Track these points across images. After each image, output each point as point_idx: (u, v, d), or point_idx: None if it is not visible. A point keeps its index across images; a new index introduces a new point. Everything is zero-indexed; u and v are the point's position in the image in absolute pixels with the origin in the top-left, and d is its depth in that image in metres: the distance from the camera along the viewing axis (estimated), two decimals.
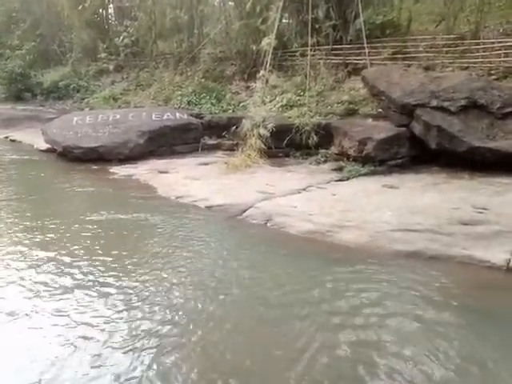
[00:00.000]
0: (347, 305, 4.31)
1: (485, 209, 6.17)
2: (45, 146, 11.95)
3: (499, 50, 9.93)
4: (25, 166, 10.80)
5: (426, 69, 10.17)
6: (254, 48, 13.23)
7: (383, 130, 8.94)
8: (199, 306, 4.29)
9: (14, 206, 7.53)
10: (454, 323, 3.98)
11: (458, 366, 3.38)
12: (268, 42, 11.69)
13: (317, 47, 12.30)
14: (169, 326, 3.92)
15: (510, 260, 4.94)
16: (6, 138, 14.45)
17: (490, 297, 4.51)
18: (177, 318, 4.08)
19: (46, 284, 4.68)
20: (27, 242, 5.86)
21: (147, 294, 4.49)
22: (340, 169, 8.84)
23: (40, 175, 10.08)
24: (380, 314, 4.14)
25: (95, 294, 4.47)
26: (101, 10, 20.38)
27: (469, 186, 7.31)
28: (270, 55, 11.61)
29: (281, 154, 10.10)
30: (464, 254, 5.18)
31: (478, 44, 10.47)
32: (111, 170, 9.80)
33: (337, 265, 5.20)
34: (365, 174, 8.43)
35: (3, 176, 9.50)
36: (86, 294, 4.47)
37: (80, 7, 18.23)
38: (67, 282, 4.75)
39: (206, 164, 9.96)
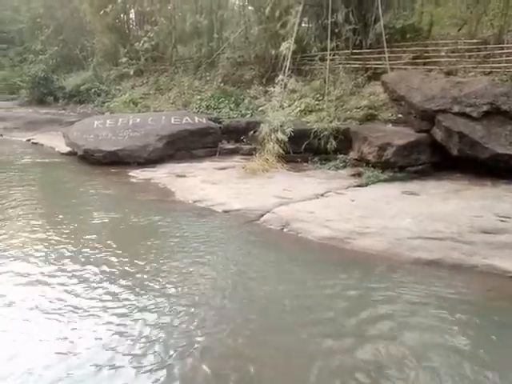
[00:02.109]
0: (366, 315, 4.24)
1: (508, 217, 6.04)
2: (66, 149, 12.12)
3: None
4: (46, 169, 10.97)
5: (448, 74, 10.01)
6: (273, 52, 13.23)
7: (403, 135, 8.83)
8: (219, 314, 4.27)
9: (31, 207, 7.64)
10: (476, 336, 3.87)
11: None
12: (287, 47, 11.67)
13: (336, 51, 12.25)
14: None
15: None
16: (28, 140, 14.70)
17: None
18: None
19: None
20: (45, 239, 5.95)
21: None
22: (359, 174, 8.75)
23: (60, 178, 10.21)
24: (399, 325, 4.06)
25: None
26: (122, 15, 20.61)
27: (491, 194, 7.17)
28: (289, 59, 11.59)
29: (299, 159, 10.05)
30: (486, 263, 5.07)
31: (501, 49, 10.28)
32: (130, 174, 9.88)
33: (355, 272, 5.13)
34: (384, 180, 8.33)
35: (25, 179, 9.65)
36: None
37: (102, 12, 18.48)
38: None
39: (223, 168, 9.97)
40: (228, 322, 4.10)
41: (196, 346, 3.71)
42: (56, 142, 13.27)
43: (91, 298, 4.47)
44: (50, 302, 4.40)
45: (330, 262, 5.45)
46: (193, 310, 4.28)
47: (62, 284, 4.78)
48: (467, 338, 3.83)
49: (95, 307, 4.30)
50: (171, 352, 3.62)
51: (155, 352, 3.61)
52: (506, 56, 10.05)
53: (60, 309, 4.26)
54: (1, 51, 24.55)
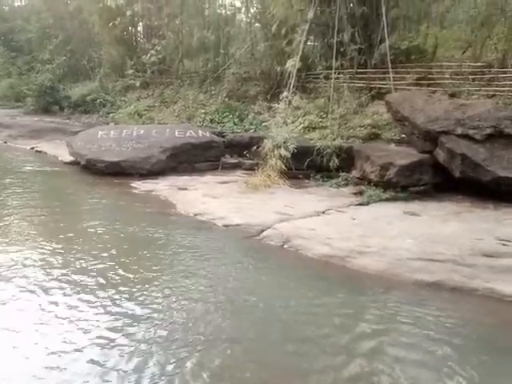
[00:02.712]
0: (358, 334, 4.20)
1: (509, 241, 6.00)
2: (69, 158, 12.16)
3: None
4: (48, 178, 11.00)
5: (452, 96, 10.06)
6: (279, 69, 13.32)
7: (406, 155, 8.84)
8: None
9: (31, 216, 7.64)
10: (476, 362, 3.81)
11: None
12: (292, 64, 11.76)
13: (341, 70, 12.32)
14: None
15: None
16: (32, 148, 14.76)
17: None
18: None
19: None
20: (40, 249, 5.94)
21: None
22: (360, 193, 8.74)
23: (61, 187, 10.25)
24: (394, 347, 4.01)
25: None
26: (130, 28, 20.83)
27: (493, 217, 7.14)
28: (294, 77, 11.66)
29: (301, 176, 10.05)
30: (487, 287, 5.03)
31: (505, 72, 10.32)
32: (132, 185, 9.89)
33: (353, 291, 5.10)
34: (386, 200, 8.31)
35: (27, 187, 9.67)
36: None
37: (110, 25, 18.70)
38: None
39: (225, 182, 9.97)
40: (221, 338, 4.06)
41: (189, 362, 3.68)
42: (59, 150, 13.32)
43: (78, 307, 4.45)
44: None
45: (330, 280, 5.43)
46: (189, 324, 4.25)
47: (53, 291, 4.77)
48: (462, 362, 3.78)
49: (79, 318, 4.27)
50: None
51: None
52: (510, 80, 10.09)
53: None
54: (9, 59, 24.76)
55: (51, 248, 6.07)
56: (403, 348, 3.99)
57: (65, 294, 4.77)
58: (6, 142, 16.01)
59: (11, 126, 17.26)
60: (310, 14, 12.09)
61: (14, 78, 23.16)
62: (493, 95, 9.99)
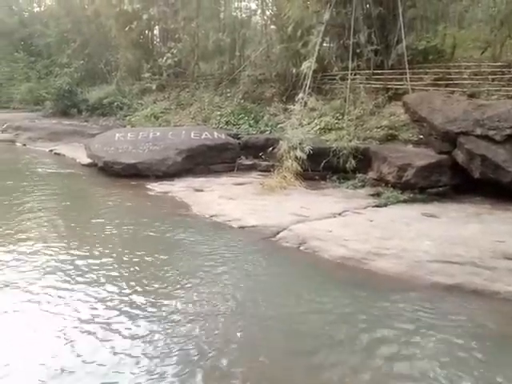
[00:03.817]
0: (380, 337, 4.13)
1: None
2: (86, 160, 12.29)
3: None
4: (66, 179, 11.12)
5: (470, 96, 9.89)
6: (294, 71, 13.27)
7: (424, 156, 8.72)
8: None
9: (46, 215, 7.75)
10: (498, 367, 3.72)
11: None
12: (308, 66, 11.71)
13: (357, 71, 12.24)
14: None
15: None
16: (51, 151, 14.96)
17: None
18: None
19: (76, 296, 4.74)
20: (62, 250, 5.98)
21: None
22: (378, 194, 8.63)
23: (79, 188, 10.35)
24: (415, 353, 3.93)
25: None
26: (147, 32, 21.04)
27: None
28: (310, 78, 11.61)
29: (317, 177, 9.98)
30: (508, 290, 4.91)
31: None
32: (148, 186, 9.94)
33: (372, 294, 5.02)
34: (403, 201, 8.19)
35: (46, 189, 9.78)
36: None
37: (127, 29, 18.90)
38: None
39: (241, 184, 9.96)
40: (234, 341, 4.04)
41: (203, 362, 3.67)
42: (78, 153, 13.48)
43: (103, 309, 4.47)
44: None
45: (346, 282, 5.36)
46: (201, 330, 4.23)
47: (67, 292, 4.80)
48: (480, 367, 3.70)
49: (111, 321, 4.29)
50: None
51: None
52: None
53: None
54: (29, 64, 25.22)
55: (70, 251, 6.11)
56: (423, 356, 3.91)
57: (86, 294, 4.81)
58: (25, 145, 16.27)
59: (30, 128, 17.54)
60: (326, 16, 12.02)
61: (33, 82, 23.59)
62: None
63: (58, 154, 14.45)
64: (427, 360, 3.77)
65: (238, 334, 4.13)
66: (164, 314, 4.44)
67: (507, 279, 5.07)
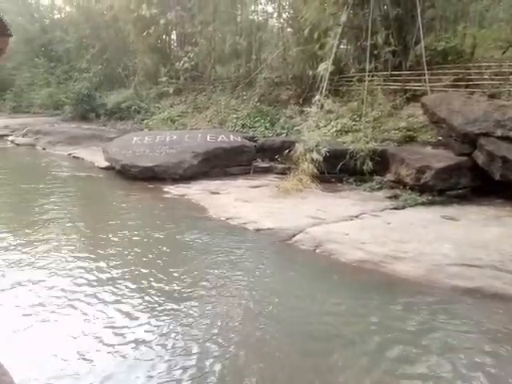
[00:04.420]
0: (397, 341, 4.05)
1: None
2: (104, 163, 12.42)
3: None
4: (84, 182, 11.25)
5: (491, 97, 9.69)
6: (311, 73, 13.22)
7: (443, 158, 8.57)
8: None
9: (65, 218, 7.83)
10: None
11: None
12: (325, 68, 11.64)
13: (375, 73, 12.12)
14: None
15: None
16: (70, 154, 15.15)
17: None
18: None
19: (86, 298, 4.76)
20: (82, 251, 6.04)
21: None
22: (395, 197, 8.51)
23: (97, 191, 10.47)
24: (434, 359, 3.84)
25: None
26: (164, 36, 21.27)
27: None
28: (327, 80, 11.53)
29: (333, 180, 9.89)
30: None
31: None
32: (165, 189, 9.98)
33: (390, 298, 4.94)
34: (422, 204, 8.06)
35: (65, 191, 9.91)
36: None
37: (145, 33, 19.12)
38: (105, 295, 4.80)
39: (257, 187, 9.93)
40: (250, 342, 4.01)
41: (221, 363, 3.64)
42: (96, 156, 13.63)
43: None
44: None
45: (363, 285, 5.28)
46: (216, 330, 4.22)
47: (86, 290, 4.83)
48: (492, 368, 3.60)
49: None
50: None
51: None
52: None
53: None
54: (49, 69, 25.67)
55: (91, 254, 6.16)
56: (443, 363, 3.82)
57: (104, 302, 4.83)
58: (44, 149, 16.52)
59: (50, 132, 17.80)
60: (343, 18, 11.95)
61: (52, 87, 24.00)
62: None
63: (77, 158, 14.63)
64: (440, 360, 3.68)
65: (257, 333, 4.10)
66: (182, 314, 4.44)
67: None
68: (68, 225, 7.48)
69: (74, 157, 14.87)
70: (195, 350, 3.87)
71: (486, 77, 10.73)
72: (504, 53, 11.68)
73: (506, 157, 7.65)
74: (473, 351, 3.90)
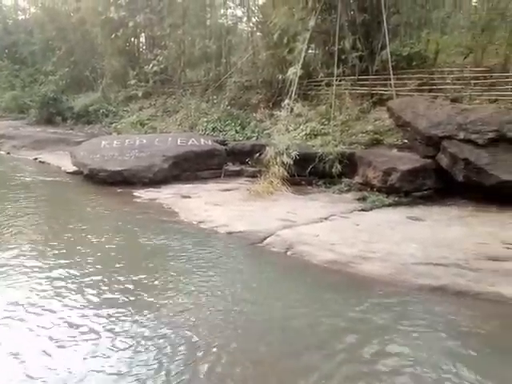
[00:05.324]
0: (365, 340, 4.16)
1: None
2: (72, 168, 12.18)
3: None
4: (51, 188, 11.00)
5: (453, 101, 10.04)
6: (280, 77, 13.36)
7: (408, 160, 8.83)
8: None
9: (31, 223, 7.66)
10: (479, 365, 3.76)
11: None
12: (294, 72, 11.80)
13: (342, 77, 12.36)
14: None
15: None
16: (35, 159, 14.80)
17: None
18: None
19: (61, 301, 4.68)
20: (44, 261, 5.91)
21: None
22: (363, 199, 8.71)
23: (64, 196, 10.26)
24: (399, 354, 3.96)
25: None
26: (133, 39, 21.07)
27: (497, 221, 7.10)
28: (296, 84, 11.69)
29: (303, 183, 10.04)
30: (492, 290, 4.98)
31: (507, 77, 10.33)
32: (135, 194, 9.88)
33: (359, 297, 5.05)
34: (389, 205, 8.28)
35: (31, 197, 9.68)
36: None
37: (113, 36, 18.90)
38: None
39: (228, 190, 9.96)
40: (221, 343, 4.03)
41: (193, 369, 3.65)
42: (62, 161, 13.36)
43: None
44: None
45: (335, 286, 5.38)
46: (188, 333, 4.22)
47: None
48: (464, 364, 3.75)
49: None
50: None
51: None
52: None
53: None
54: (13, 72, 24.99)
55: (55, 260, 6.03)
56: (407, 356, 3.94)
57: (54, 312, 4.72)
58: (9, 153, 16.07)
59: (14, 136, 17.34)
60: (312, 23, 12.14)
61: (17, 90, 23.37)
62: (495, 100, 9.97)
63: (43, 163, 14.30)
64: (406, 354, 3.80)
65: (223, 334, 4.13)
66: (153, 318, 4.42)
67: (491, 280, 5.15)
68: (32, 231, 7.31)
69: (39, 161, 14.53)
70: (162, 352, 3.86)
71: (449, 81, 11.13)
72: (465, 58, 12.12)
73: (468, 159, 7.95)
74: (435, 348, 4.03)
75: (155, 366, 3.67)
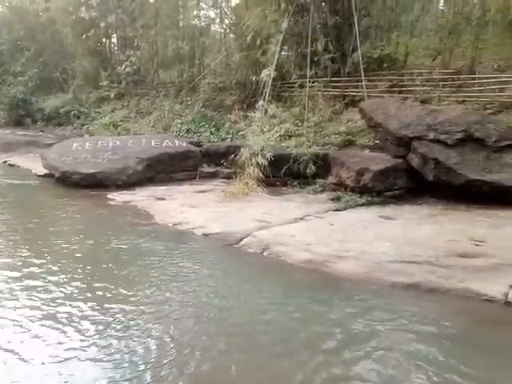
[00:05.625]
0: (340, 337, 4.25)
1: (482, 241, 6.15)
2: (43, 171, 11.95)
3: (494, 85, 10.11)
4: (21, 191, 10.77)
5: (423, 102, 10.32)
6: (254, 79, 13.43)
7: (380, 161, 9.01)
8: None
9: (6, 232, 7.47)
10: (448, 358, 3.89)
11: None
12: (267, 74, 11.88)
13: (315, 79, 12.52)
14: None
15: (507, 293, 4.89)
16: (5, 162, 14.47)
17: (487, 331, 4.43)
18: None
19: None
20: (16, 266, 5.80)
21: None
22: (337, 199, 8.85)
23: (35, 200, 10.06)
24: (371, 346, 4.07)
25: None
26: (104, 40, 20.81)
27: (466, 219, 7.32)
28: (270, 86, 11.78)
29: (278, 183, 10.14)
30: (461, 286, 5.13)
31: (473, 79, 10.68)
32: (109, 196, 9.77)
33: (334, 296, 5.14)
34: (362, 205, 8.45)
35: (0, 201, 9.45)
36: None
37: (84, 36, 18.62)
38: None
39: (203, 192, 9.96)
40: (197, 344, 4.06)
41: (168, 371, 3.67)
42: (33, 164, 13.10)
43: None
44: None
45: (308, 284, 5.46)
46: (163, 335, 4.22)
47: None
48: (434, 356, 3.88)
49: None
50: None
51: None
52: (478, 86, 10.43)
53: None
54: None
55: (26, 267, 5.91)
56: (380, 348, 4.05)
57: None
58: None
59: None
60: (284, 25, 12.27)
61: None
62: (462, 101, 10.29)
63: (12, 166, 13.99)
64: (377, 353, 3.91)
65: (204, 337, 4.15)
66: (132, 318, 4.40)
67: (460, 276, 5.31)
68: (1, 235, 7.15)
69: (9, 164, 14.22)
70: (135, 356, 3.87)
71: (418, 83, 11.41)
72: (433, 60, 12.45)
73: (437, 159, 8.18)
74: (407, 341, 4.15)
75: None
